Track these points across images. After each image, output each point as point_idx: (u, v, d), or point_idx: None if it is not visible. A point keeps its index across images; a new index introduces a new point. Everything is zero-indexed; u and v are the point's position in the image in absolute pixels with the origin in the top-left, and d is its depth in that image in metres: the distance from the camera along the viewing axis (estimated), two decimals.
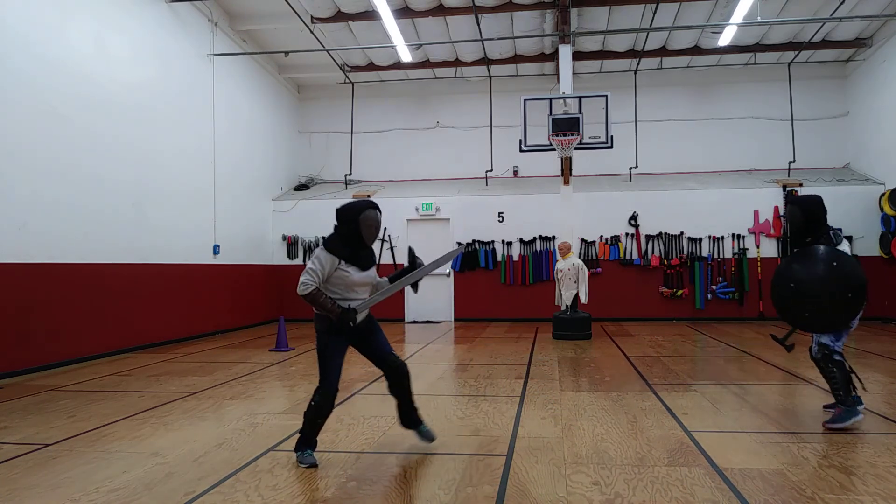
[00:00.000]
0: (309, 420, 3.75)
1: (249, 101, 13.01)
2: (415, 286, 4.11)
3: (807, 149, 13.81)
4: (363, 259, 3.83)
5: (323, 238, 3.71)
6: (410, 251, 4.07)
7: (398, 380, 3.95)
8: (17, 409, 5.43)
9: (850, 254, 4.33)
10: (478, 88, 14.90)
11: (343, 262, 3.72)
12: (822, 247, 4.29)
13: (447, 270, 13.59)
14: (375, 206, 3.84)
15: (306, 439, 3.79)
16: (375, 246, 13.72)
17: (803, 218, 4.36)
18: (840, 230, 4.50)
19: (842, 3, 11.25)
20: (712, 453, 3.86)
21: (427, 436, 4.04)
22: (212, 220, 11.33)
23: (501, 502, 3.14)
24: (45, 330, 7.50)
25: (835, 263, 4.20)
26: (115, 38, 8.89)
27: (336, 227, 3.84)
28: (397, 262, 13.66)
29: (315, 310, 3.74)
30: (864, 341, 9.08)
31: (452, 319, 13.54)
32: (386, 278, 4.07)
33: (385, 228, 13.73)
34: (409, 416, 4.04)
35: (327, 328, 3.76)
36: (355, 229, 3.77)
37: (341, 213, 3.81)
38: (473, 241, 13.56)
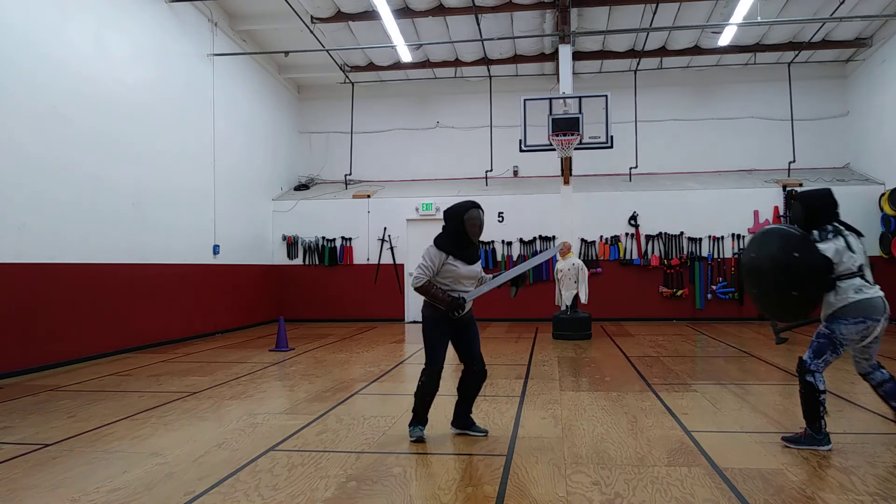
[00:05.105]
0: (419, 398, 4.20)
1: (249, 101, 13.01)
2: (515, 286, 4.35)
3: (807, 149, 13.80)
4: (469, 254, 4.17)
5: (436, 238, 4.21)
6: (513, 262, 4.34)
7: (475, 382, 4.30)
8: (17, 409, 5.43)
9: (837, 252, 3.80)
10: (478, 88, 14.89)
11: (451, 258, 4.10)
12: (798, 232, 3.92)
13: None
14: (478, 206, 4.20)
15: (417, 416, 4.25)
16: (375, 246, 13.76)
17: (803, 212, 4.04)
18: (841, 228, 3.94)
19: (842, 3, 11.24)
20: (712, 453, 3.86)
21: (480, 431, 4.38)
22: (212, 220, 11.33)
23: (501, 502, 3.14)
24: (45, 330, 7.50)
25: (796, 254, 3.81)
26: (115, 38, 8.89)
27: (444, 227, 4.21)
28: (397, 261, 13.67)
29: (427, 300, 4.15)
30: None
31: None
32: (490, 275, 4.38)
33: (385, 228, 13.76)
34: (465, 418, 4.40)
35: (434, 316, 4.17)
36: (461, 227, 4.12)
37: (448, 213, 4.19)
38: None
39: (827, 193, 4.06)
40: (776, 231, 4.07)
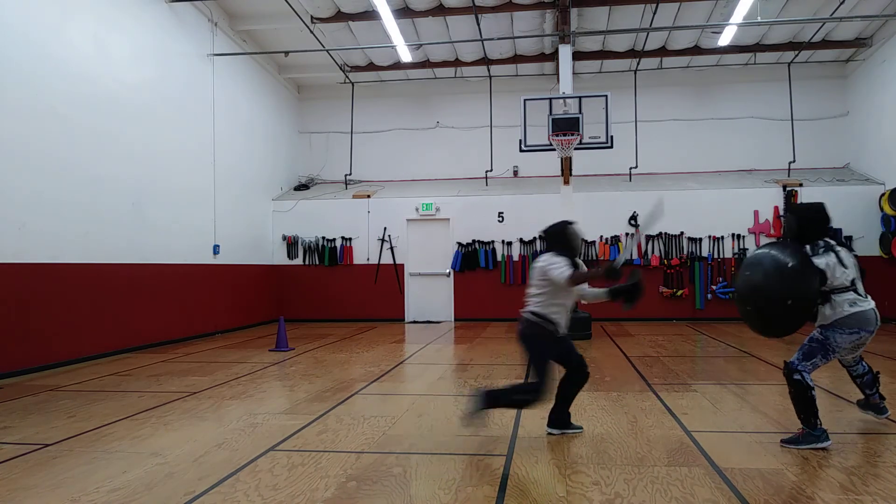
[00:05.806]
0: (509, 402, 4.23)
1: (249, 101, 13.01)
2: (629, 302, 4.20)
3: (807, 149, 13.81)
4: (577, 267, 4.22)
5: (548, 251, 4.29)
6: (635, 272, 4.28)
7: (581, 382, 4.34)
8: (17, 409, 5.43)
9: (829, 267, 3.90)
10: (478, 88, 14.89)
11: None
12: (792, 245, 3.99)
13: (447, 270, 13.60)
14: (573, 223, 4.37)
15: (497, 401, 4.17)
16: (375, 246, 13.76)
17: (797, 225, 4.14)
18: (833, 240, 4.06)
19: (842, 3, 11.24)
20: (712, 453, 3.86)
21: (577, 428, 4.45)
22: (212, 220, 11.33)
23: (501, 502, 3.14)
24: (45, 330, 7.50)
25: (791, 264, 3.85)
26: (115, 38, 8.89)
27: (549, 245, 4.35)
28: (397, 261, 13.67)
29: (543, 315, 4.13)
30: None
31: (452, 319, 13.54)
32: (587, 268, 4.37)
33: (385, 228, 13.76)
34: (563, 417, 4.41)
35: (542, 333, 4.16)
36: (567, 241, 4.25)
37: (552, 231, 4.34)
38: (473, 241, 13.56)
39: (820, 208, 4.17)
40: (769, 246, 4.17)
